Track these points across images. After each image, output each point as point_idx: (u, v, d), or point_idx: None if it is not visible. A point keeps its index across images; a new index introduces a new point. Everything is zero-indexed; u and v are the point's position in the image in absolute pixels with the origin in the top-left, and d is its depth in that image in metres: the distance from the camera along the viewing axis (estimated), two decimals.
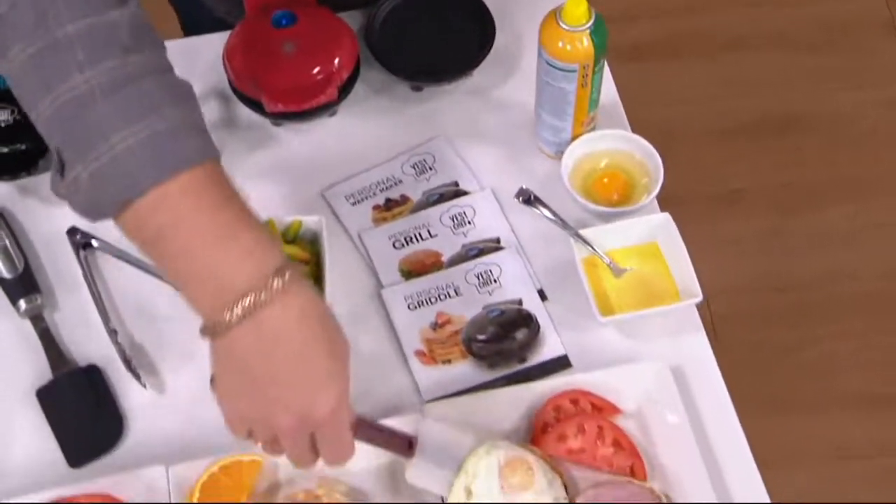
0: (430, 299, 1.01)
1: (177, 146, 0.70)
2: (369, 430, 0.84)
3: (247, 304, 0.70)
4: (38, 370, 0.96)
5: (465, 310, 1.00)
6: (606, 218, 1.01)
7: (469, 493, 0.84)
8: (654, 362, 0.92)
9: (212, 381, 0.78)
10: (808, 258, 1.94)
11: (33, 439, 0.92)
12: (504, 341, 0.97)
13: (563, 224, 1.00)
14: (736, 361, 1.81)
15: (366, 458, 0.88)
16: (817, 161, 2.05)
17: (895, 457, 1.73)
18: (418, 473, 0.85)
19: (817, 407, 1.78)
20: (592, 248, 0.99)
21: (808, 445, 1.74)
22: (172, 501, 0.86)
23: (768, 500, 0.88)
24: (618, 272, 0.98)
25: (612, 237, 0.99)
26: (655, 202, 1.02)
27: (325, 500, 0.84)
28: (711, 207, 2.00)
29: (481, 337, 0.98)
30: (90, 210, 0.73)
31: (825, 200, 1.99)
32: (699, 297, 0.93)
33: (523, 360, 0.97)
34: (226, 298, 0.70)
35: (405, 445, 0.85)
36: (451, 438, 0.86)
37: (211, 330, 0.72)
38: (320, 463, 0.86)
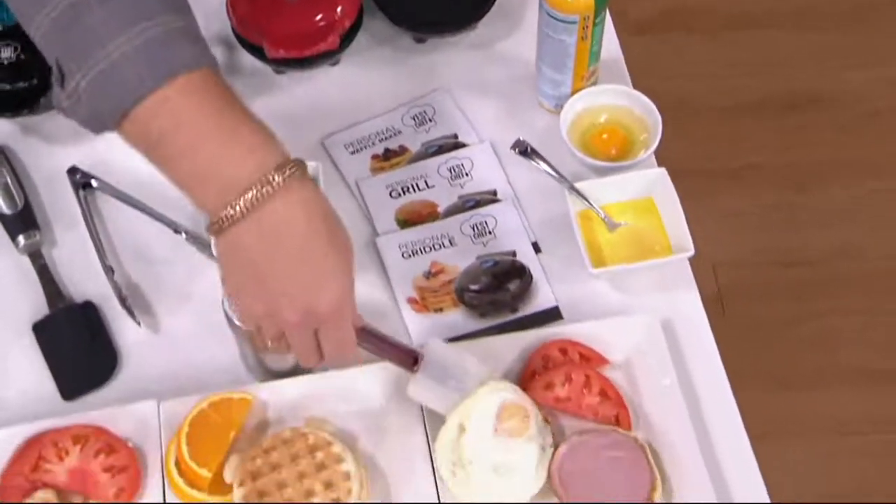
0: (424, 248, 1.02)
1: (173, 52, 0.71)
2: (375, 338, 0.85)
3: (249, 199, 0.71)
4: (35, 305, 0.97)
5: (459, 260, 1.01)
6: (603, 173, 1.01)
7: (462, 429, 0.86)
8: (645, 315, 0.93)
9: (222, 280, 0.80)
10: (814, 235, 1.94)
11: (29, 372, 0.94)
12: (497, 292, 0.98)
13: (560, 177, 1.01)
14: (738, 335, 1.84)
15: (353, 401, 0.90)
16: (824, 139, 2.04)
17: (894, 433, 1.74)
18: (419, 389, 0.86)
19: (818, 382, 1.79)
20: (588, 201, 0.99)
21: (806, 420, 1.75)
22: (162, 435, 0.88)
23: (750, 449, 0.89)
24: (612, 226, 0.99)
25: (608, 191, 0.99)
26: (653, 158, 1.03)
27: (311, 439, 0.86)
28: (717, 183, 2.00)
29: (474, 287, 0.99)
30: (91, 120, 0.74)
31: (831, 178, 1.99)
32: (691, 252, 0.94)
33: (515, 310, 0.98)
34: (229, 195, 0.72)
35: (410, 361, 0.86)
36: (457, 360, 0.87)
37: (216, 227, 0.73)
38: (308, 403, 0.89)
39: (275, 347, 0.80)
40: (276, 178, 0.72)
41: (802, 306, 1.86)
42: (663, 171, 0.99)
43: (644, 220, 0.99)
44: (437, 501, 0.85)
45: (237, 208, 0.71)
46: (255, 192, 0.71)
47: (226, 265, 0.77)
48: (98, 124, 0.74)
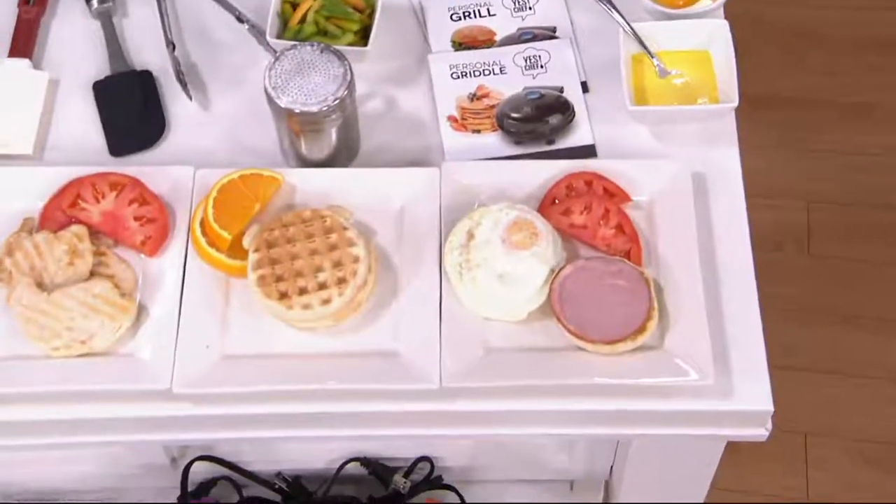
0: (474, 72, 1.05)
1: None
2: None
3: None
4: (98, 67, 1.05)
5: (506, 88, 1.04)
6: (667, 19, 1.03)
7: (471, 236, 0.90)
8: (676, 161, 0.96)
9: None
10: None
11: (83, 126, 1.02)
12: (537, 122, 1.01)
13: (620, 16, 1.02)
14: (820, 272, 1.83)
15: (378, 200, 0.95)
16: None
17: None
18: None
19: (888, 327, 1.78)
20: (643, 44, 1.01)
21: (876, 363, 1.75)
22: (194, 199, 0.95)
23: (758, 311, 0.91)
24: (663, 73, 1.00)
25: (666, 37, 1.01)
26: (721, 11, 1.04)
27: (328, 221, 0.92)
28: (827, 117, 1.96)
29: (515, 115, 1.02)
30: None
31: None
32: (735, 103, 0.95)
33: (551, 142, 1.01)
34: None
35: None
36: None
37: None
38: (334, 194, 0.93)
39: None
40: None
41: (892, 251, 1.85)
42: (725, 23, 0.99)
43: (697, 72, 1.00)
44: (438, 299, 0.90)
45: None
46: None
47: None
48: None
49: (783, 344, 1.75)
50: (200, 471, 1.15)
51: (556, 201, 0.95)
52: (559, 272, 0.90)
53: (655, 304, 0.88)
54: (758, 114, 1.97)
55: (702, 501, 1.11)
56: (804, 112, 2.00)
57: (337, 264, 0.90)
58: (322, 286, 0.89)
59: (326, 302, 0.88)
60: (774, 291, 1.89)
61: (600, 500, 1.24)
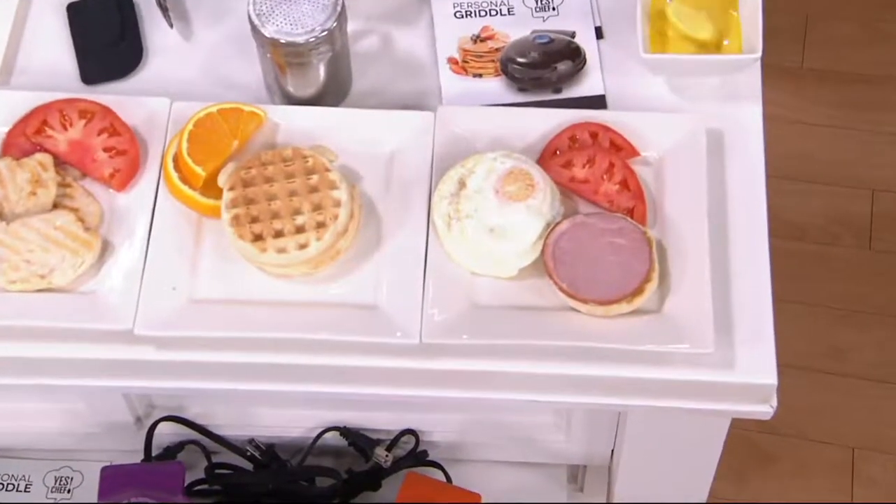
0: (479, 11, 1.09)
1: None
2: None
3: None
4: None
5: (513, 30, 1.08)
6: None
7: (462, 184, 0.94)
8: (690, 115, 0.99)
9: None
10: None
11: (55, 49, 1.07)
12: (544, 69, 1.05)
13: None
14: (882, 267, 1.83)
15: (366, 143, 0.99)
16: None
17: None
18: None
19: None
20: None
21: None
22: (168, 134, 0.99)
23: (769, 282, 0.95)
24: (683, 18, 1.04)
25: None
26: None
27: (310, 161, 0.96)
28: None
29: (521, 59, 1.06)
30: None
31: None
32: (757, 54, 0.98)
33: (558, 90, 1.05)
34: None
35: None
36: None
37: None
38: (320, 134, 0.97)
39: None
40: None
41: None
42: None
43: (721, 19, 1.04)
44: (423, 251, 0.95)
45: None
46: None
47: None
48: None
49: (834, 346, 1.79)
50: (167, 433, 1.20)
51: (558, 153, 0.98)
52: (554, 227, 0.94)
53: (656, 266, 0.91)
54: (823, 90, 2.03)
55: (706, 494, 1.16)
56: (875, 90, 2.02)
57: (317, 207, 0.94)
58: (299, 230, 0.93)
59: (303, 246, 0.93)
60: (828, 289, 1.94)
61: (604, 500, 1.28)
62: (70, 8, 1.09)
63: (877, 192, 1.89)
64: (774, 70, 2.08)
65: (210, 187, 0.97)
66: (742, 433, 1.66)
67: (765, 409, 0.92)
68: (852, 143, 1.97)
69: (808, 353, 1.75)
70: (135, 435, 1.20)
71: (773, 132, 1.92)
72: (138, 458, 1.21)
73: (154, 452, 1.21)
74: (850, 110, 1.99)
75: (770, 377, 0.90)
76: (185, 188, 0.97)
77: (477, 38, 1.08)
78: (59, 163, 0.98)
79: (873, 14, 2.09)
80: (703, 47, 1.03)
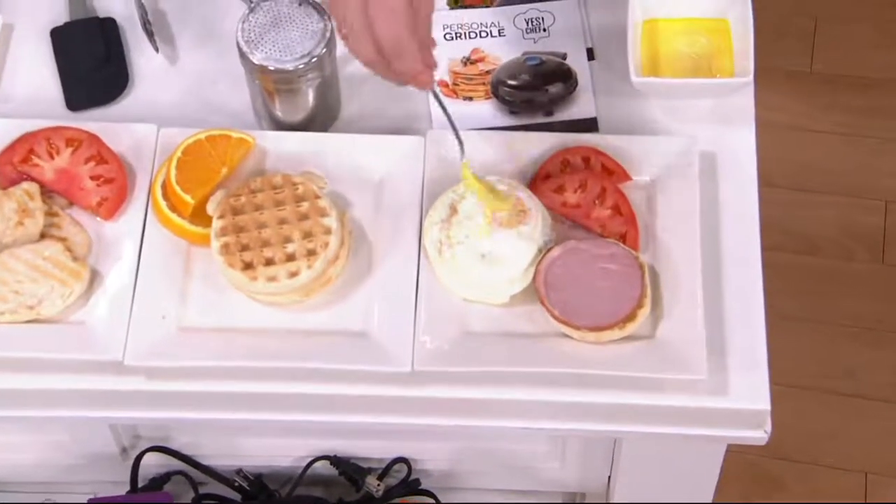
0: (469, 33, 1.17)
1: None
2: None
3: None
4: (56, 11, 1.18)
5: (504, 52, 1.16)
6: None
7: (453, 210, 1.02)
8: (683, 138, 1.07)
9: None
10: None
11: (39, 75, 1.15)
12: (535, 91, 1.13)
13: None
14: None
15: (355, 168, 1.07)
16: None
17: None
18: None
19: None
20: (654, 9, 1.12)
21: None
22: (156, 160, 1.07)
23: (762, 306, 1.02)
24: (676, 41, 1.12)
25: (682, 2, 1.12)
26: None
27: (300, 189, 1.04)
28: None
29: (512, 82, 1.14)
30: None
31: None
32: (749, 78, 1.06)
33: (550, 113, 1.13)
34: None
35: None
36: None
37: None
38: (309, 160, 1.05)
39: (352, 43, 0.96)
40: None
41: None
42: None
43: (713, 42, 1.12)
44: (415, 277, 1.02)
45: None
46: None
47: None
48: None
49: (845, 367, 1.87)
50: (153, 463, 1.27)
51: (549, 177, 1.06)
52: (546, 253, 1.01)
53: (648, 292, 0.99)
54: (834, 96, 2.11)
55: None
56: (887, 95, 2.11)
57: (307, 235, 1.02)
58: (290, 258, 1.01)
59: (294, 275, 1.00)
60: (840, 306, 2.01)
61: None
62: (54, 33, 1.16)
63: (890, 204, 1.97)
64: (781, 74, 2.19)
65: (199, 215, 1.05)
66: (750, 459, 1.75)
67: (759, 435, 0.99)
68: (864, 151, 2.05)
69: (820, 373, 1.84)
70: (120, 466, 1.28)
71: (780, 140, 2.02)
72: (124, 489, 1.28)
73: (140, 483, 1.28)
74: (861, 116, 2.07)
75: (764, 402, 0.98)
76: (173, 216, 1.04)
77: (467, 61, 1.16)
78: (46, 192, 1.06)
79: (887, 14, 2.18)
80: (699, 68, 1.11)
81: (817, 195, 1.98)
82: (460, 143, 1.01)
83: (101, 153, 1.06)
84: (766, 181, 1.86)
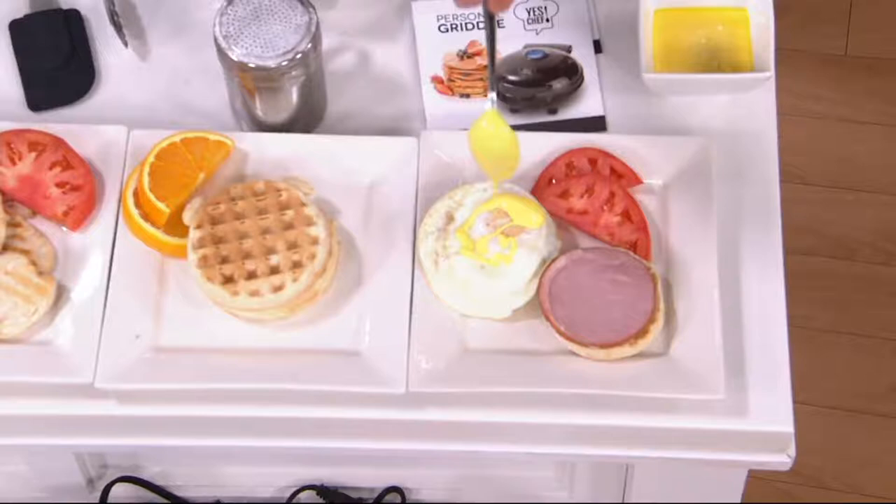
0: (466, 24, 1.21)
1: None
2: None
3: None
4: (15, 3, 1.21)
5: (504, 45, 1.19)
6: None
7: (450, 218, 1.06)
8: (698, 137, 1.11)
9: None
10: None
11: None
12: (537, 88, 1.17)
13: None
14: None
15: (343, 173, 1.10)
16: None
17: None
18: None
19: None
20: None
21: None
22: (127, 165, 1.10)
23: (784, 321, 1.06)
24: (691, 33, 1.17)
25: None
26: None
27: (284, 196, 1.07)
28: None
29: (512, 77, 1.18)
30: None
31: None
32: (769, 73, 1.11)
33: (554, 111, 1.17)
34: None
35: None
36: None
37: None
38: (293, 165, 1.09)
39: None
40: None
41: None
42: None
43: (731, 32, 1.16)
44: (409, 291, 1.06)
45: None
46: None
47: None
48: None
49: (888, 384, 1.89)
50: (122, 495, 1.31)
51: (554, 181, 1.10)
52: (551, 264, 1.05)
53: (661, 305, 1.03)
54: (873, 82, 2.13)
55: None
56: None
57: (292, 246, 1.06)
58: (274, 270, 1.04)
59: (278, 289, 1.04)
60: (880, 316, 2.03)
61: None
62: (13, 26, 1.20)
63: None
64: (815, 58, 2.21)
65: (174, 225, 1.08)
66: (782, 487, 1.79)
67: (782, 460, 1.03)
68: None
69: (860, 392, 1.87)
70: (86, 499, 1.32)
71: (813, 132, 2.05)
72: None
73: None
74: None
75: (787, 424, 1.02)
76: (147, 226, 1.08)
77: (463, 55, 1.20)
78: (7, 200, 1.09)
79: None
80: (716, 62, 1.15)
81: (854, 193, 2.02)
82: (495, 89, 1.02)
83: (66, 158, 1.10)
84: (799, 178, 1.97)
